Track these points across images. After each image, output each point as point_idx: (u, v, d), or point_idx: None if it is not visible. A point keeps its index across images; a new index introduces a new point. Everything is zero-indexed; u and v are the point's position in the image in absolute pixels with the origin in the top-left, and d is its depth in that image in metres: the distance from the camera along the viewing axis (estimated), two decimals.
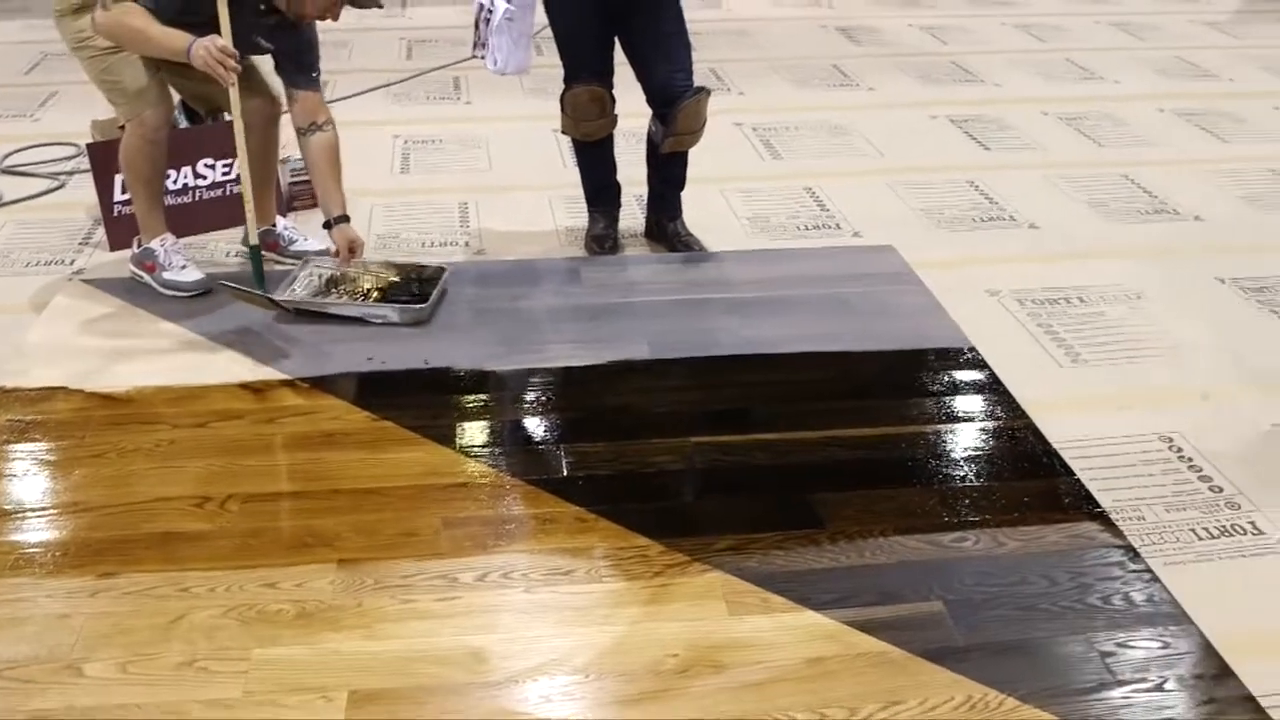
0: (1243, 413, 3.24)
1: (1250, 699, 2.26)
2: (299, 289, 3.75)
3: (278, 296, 3.64)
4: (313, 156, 3.70)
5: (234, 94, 3.46)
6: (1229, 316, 3.79)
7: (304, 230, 4.07)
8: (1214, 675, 2.32)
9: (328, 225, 3.71)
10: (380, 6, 3.67)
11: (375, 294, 3.75)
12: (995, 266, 4.08)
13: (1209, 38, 7.18)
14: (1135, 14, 7.66)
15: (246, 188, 3.60)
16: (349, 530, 2.67)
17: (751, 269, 4.04)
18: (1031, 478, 2.94)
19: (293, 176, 4.36)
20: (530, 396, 3.26)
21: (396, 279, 3.81)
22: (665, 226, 4.20)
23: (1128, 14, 7.65)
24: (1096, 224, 4.48)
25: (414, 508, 2.76)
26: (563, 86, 3.98)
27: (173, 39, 3.35)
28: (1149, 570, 2.60)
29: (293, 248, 3.99)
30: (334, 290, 3.78)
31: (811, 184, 4.76)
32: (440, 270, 3.83)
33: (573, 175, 4.29)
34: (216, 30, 3.37)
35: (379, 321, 3.62)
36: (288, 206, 4.35)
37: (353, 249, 3.71)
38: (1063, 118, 5.63)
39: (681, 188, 4.19)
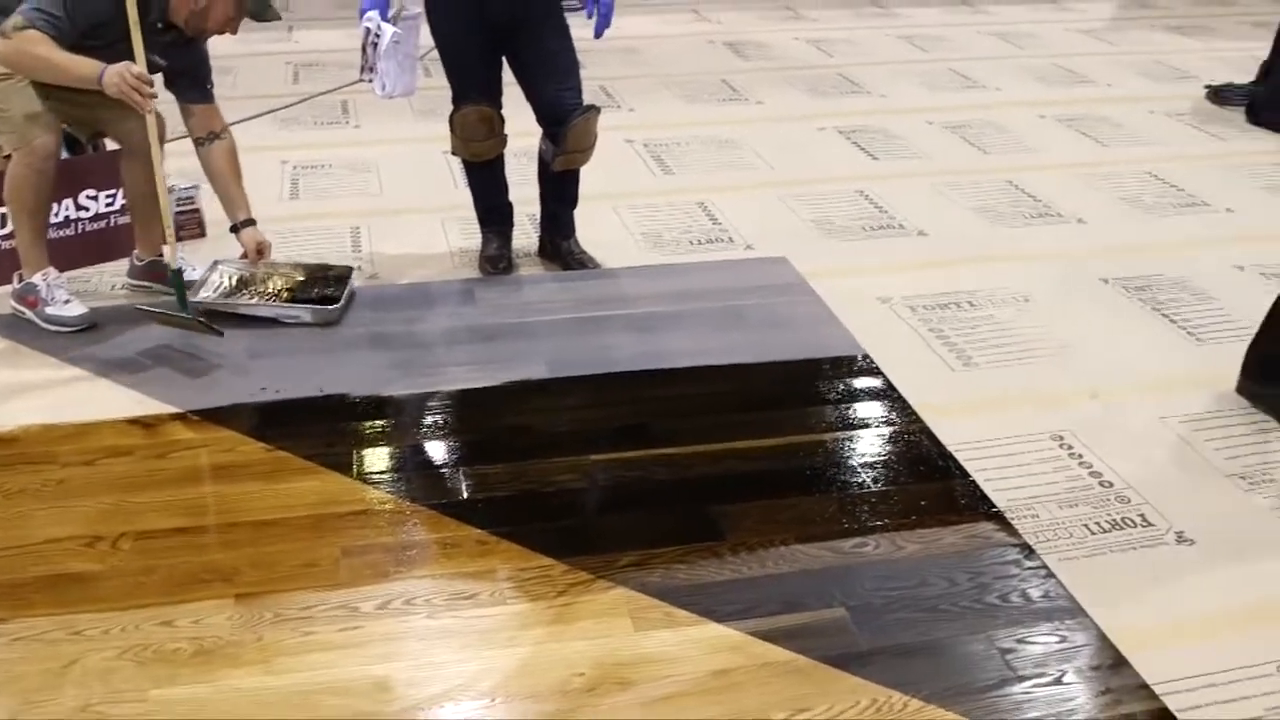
0: (1130, 409, 3.32)
1: (1145, 687, 2.31)
2: (208, 292, 3.76)
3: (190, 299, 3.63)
4: (214, 164, 3.72)
5: (151, 121, 3.41)
6: (1114, 315, 3.88)
7: (192, 260, 4.01)
8: (1110, 666, 2.37)
9: (235, 229, 3.73)
10: (279, 18, 3.66)
11: (285, 294, 3.80)
12: (886, 274, 4.14)
13: (1085, 45, 7.37)
14: (1014, 23, 7.84)
15: (167, 214, 3.60)
16: (246, 564, 2.62)
17: (646, 285, 4.05)
18: (928, 481, 2.98)
19: (178, 206, 4.28)
20: (428, 420, 3.24)
21: (304, 278, 3.87)
22: (559, 245, 4.20)
23: (1006, 24, 7.82)
24: (983, 229, 4.57)
25: (313, 538, 2.72)
26: (451, 108, 3.97)
27: (81, 66, 3.29)
28: (1044, 567, 2.65)
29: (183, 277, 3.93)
30: (244, 291, 3.81)
31: (704, 198, 4.79)
32: (348, 269, 3.92)
33: (465, 197, 4.28)
34: (120, 55, 3.31)
35: (291, 321, 3.65)
36: (175, 236, 4.27)
37: (261, 250, 3.75)
38: (947, 126, 5.73)
39: (574, 206, 4.19)
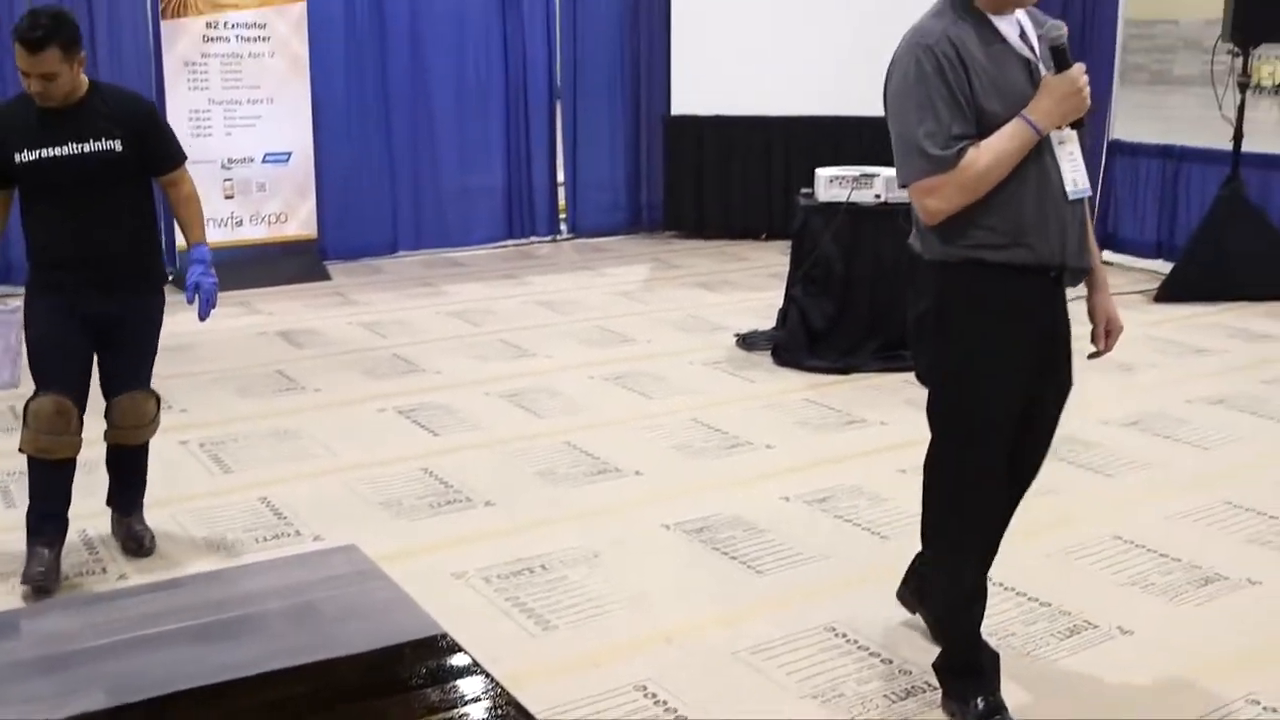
0: (705, 647, 3.45)
1: None
2: None
3: None
4: None
5: None
6: (678, 559, 4.06)
7: None
8: None
9: None
10: None
11: None
12: (458, 548, 4.16)
13: (624, 306, 7.87)
14: (558, 292, 8.28)
15: None
16: None
17: (211, 591, 3.84)
18: None
19: None
20: None
21: None
22: (120, 521, 4.17)
23: (551, 293, 8.24)
24: (547, 492, 4.70)
25: None
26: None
27: None
28: None
29: None
30: None
31: (265, 493, 4.68)
32: None
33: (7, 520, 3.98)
34: None
35: None
36: None
37: None
38: (503, 395, 5.92)
39: (135, 489, 4.20)
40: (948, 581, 3.16)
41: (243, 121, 8.34)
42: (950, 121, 2.80)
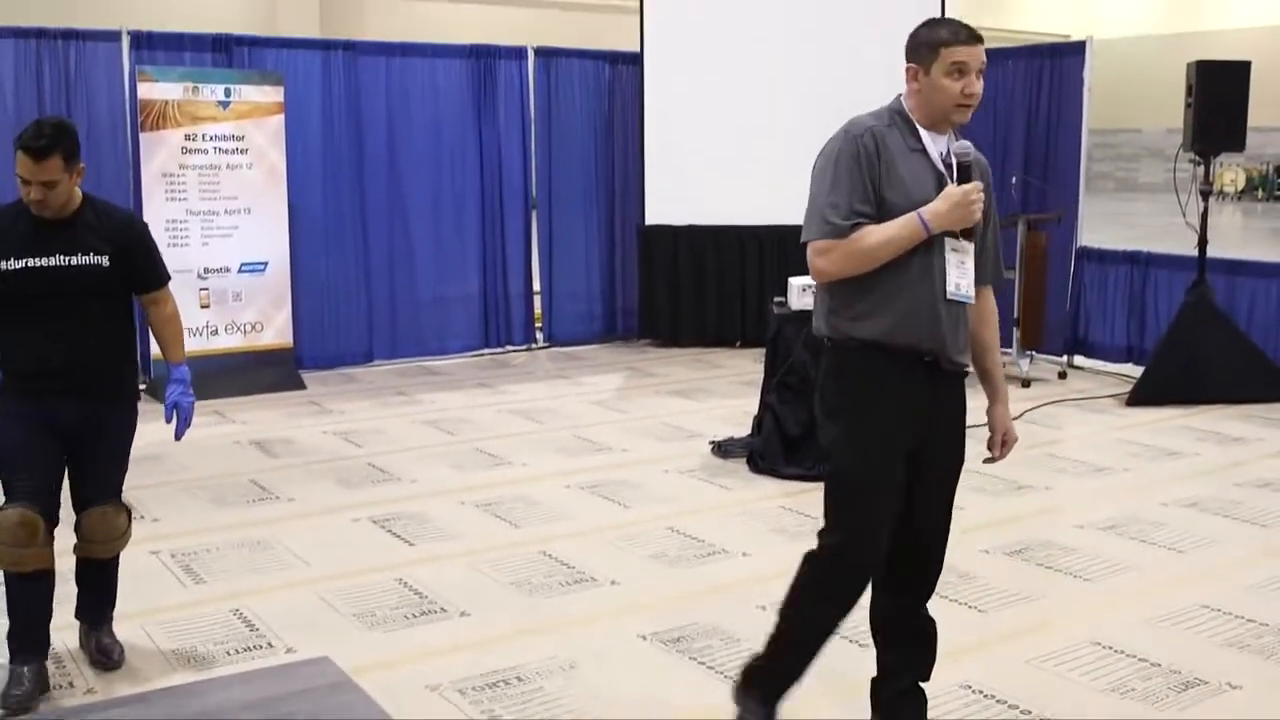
0: None
1: None
2: None
3: None
4: None
5: None
6: (654, 669, 4.02)
7: None
8: None
9: None
10: None
11: None
12: (433, 660, 4.11)
13: (600, 415, 7.86)
14: (532, 400, 8.28)
15: None
16: None
17: (182, 705, 3.81)
18: None
19: None
20: None
21: None
22: (90, 635, 4.09)
23: (526, 401, 8.24)
24: (523, 602, 4.66)
25: None
26: None
27: None
28: None
29: None
30: None
31: (238, 605, 4.62)
32: None
33: None
34: None
35: None
36: None
37: None
38: (479, 504, 5.89)
39: (107, 601, 4.13)
40: (815, 618, 3.37)
41: (220, 231, 8.39)
42: (853, 199, 3.18)
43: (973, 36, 3.21)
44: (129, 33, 8.39)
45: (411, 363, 9.51)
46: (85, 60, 8.26)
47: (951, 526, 3.43)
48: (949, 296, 3.22)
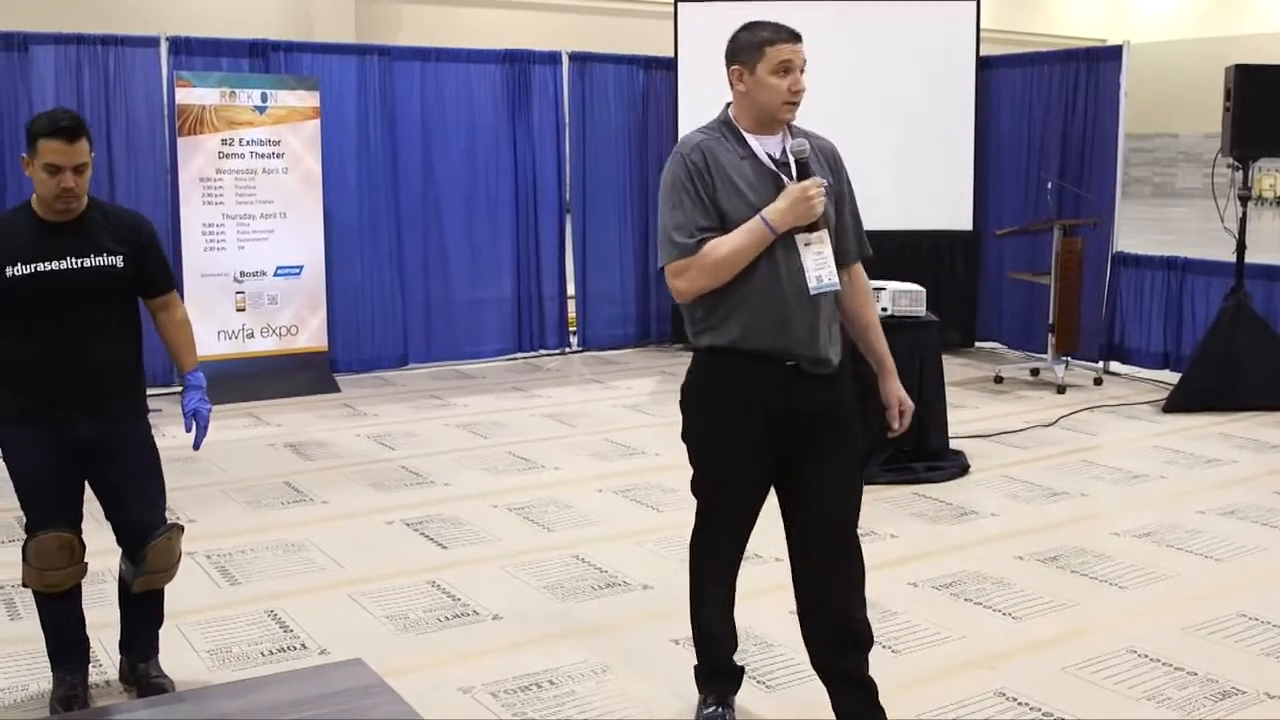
0: None
1: None
2: None
3: None
4: None
5: None
6: (687, 673, 4.01)
7: None
8: None
9: None
10: None
11: None
12: (465, 663, 4.12)
13: (633, 419, 7.87)
14: (565, 404, 8.29)
15: None
16: None
17: (215, 706, 3.81)
18: None
19: None
20: None
21: None
22: (136, 668, 3.97)
23: (558, 405, 8.26)
24: (555, 606, 4.66)
25: None
26: (25, 535, 3.72)
27: None
28: None
29: None
30: None
31: (273, 606, 4.65)
32: None
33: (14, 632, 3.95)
34: None
35: None
36: None
37: None
38: (511, 508, 5.90)
39: (158, 625, 4.03)
40: (694, 614, 3.83)
41: (255, 235, 8.45)
42: (695, 216, 3.28)
43: (794, 35, 3.30)
44: (167, 38, 8.46)
45: (445, 366, 9.54)
46: (124, 66, 8.33)
47: (860, 508, 3.64)
48: (813, 290, 3.30)
